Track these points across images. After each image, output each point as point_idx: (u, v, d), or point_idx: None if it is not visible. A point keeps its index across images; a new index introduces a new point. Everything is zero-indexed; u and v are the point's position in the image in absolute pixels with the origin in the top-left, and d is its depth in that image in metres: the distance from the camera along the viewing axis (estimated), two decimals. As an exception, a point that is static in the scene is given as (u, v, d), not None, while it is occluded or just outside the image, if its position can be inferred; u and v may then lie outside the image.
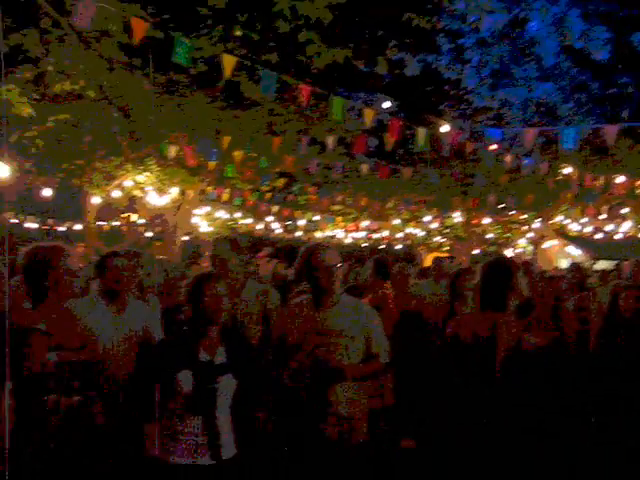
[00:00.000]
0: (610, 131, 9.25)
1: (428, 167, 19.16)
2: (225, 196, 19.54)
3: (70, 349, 3.89)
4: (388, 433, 5.23)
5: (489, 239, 29.52)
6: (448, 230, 28.30)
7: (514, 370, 4.18)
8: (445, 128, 10.59)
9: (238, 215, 25.32)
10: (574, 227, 24.23)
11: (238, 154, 13.53)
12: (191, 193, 18.68)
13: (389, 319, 5.44)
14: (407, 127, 10.83)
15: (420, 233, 28.30)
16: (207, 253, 13.91)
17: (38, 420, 3.71)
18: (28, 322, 3.84)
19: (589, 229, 23.54)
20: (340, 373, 4.07)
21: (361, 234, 29.61)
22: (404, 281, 6.93)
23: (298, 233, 27.90)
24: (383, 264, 6.56)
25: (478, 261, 26.47)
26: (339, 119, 9.80)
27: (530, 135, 10.36)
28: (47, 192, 14.41)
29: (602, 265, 19.80)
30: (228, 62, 8.24)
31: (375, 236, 29.53)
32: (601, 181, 15.99)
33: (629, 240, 23.22)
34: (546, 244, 27.89)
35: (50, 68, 10.18)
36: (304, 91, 9.00)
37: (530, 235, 27.33)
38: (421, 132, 10.42)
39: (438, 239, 30.43)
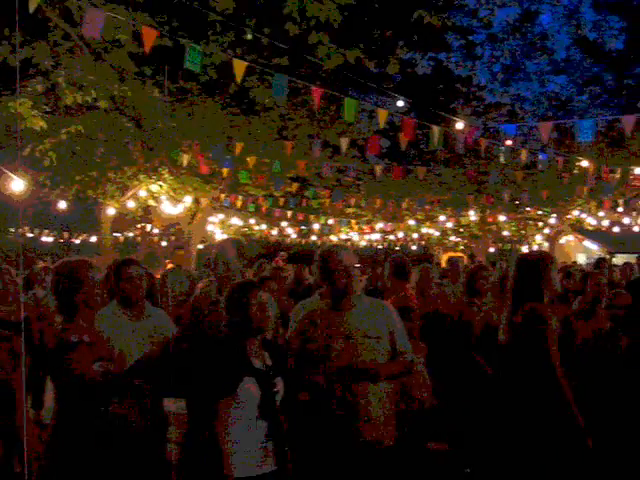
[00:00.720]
0: (628, 121, 9.12)
1: (441, 166, 19.09)
2: (239, 203, 19.52)
3: (106, 360, 3.89)
4: (416, 435, 5.12)
5: (505, 237, 29.35)
6: (463, 229, 28.17)
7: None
8: (460, 125, 10.49)
9: (252, 222, 25.31)
10: (590, 221, 24.00)
11: (251, 160, 13.50)
12: (205, 201, 18.68)
13: (414, 321, 5.34)
14: (420, 126, 10.76)
15: (435, 233, 28.18)
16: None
17: (86, 429, 3.71)
18: (65, 336, 3.86)
19: (606, 223, 23.29)
20: (372, 373, 4.00)
21: (376, 236, 29.53)
22: (428, 282, 6.83)
23: (313, 237, 27.87)
24: (401, 265, 6.46)
25: (494, 260, 26.38)
26: (351, 120, 9.75)
27: (546, 129, 10.25)
28: (62, 205, 14.41)
29: (620, 259, 19.61)
30: (239, 67, 8.20)
31: (390, 237, 29.44)
32: (617, 174, 15.83)
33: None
34: (562, 239, 27.69)
35: (61, 80, 10.16)
36: (316, 93, 8.95)
37: (546, 231, 27.12)
38: (435, 131, 10.34)
39: (453, 238, 30.31)
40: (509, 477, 4.27)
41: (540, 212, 24.81)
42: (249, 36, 10.33)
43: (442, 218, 25.03)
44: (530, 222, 27.14)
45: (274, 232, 26.85)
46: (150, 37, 7.43)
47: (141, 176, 14.37)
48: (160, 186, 14.89)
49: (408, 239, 29.78)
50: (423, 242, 30.20)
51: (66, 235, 24.95)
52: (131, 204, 15.31)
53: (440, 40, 20.12)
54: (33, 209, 18.28)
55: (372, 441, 4.02)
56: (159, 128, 12.80)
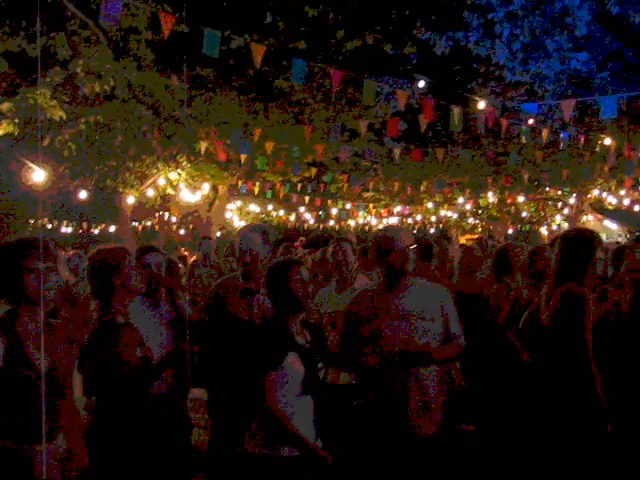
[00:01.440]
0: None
1: (460, 148, 18.93)
2: (256, 189, 19.50)
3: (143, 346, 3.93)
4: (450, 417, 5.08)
5: (524, 218, 29.13)
6: (481, 211, 27.98)
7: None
8: (482, 105, 10.37)
9: (270, 208, 25.29)
10: (611, 200, 23.72)
11: (269, 145, 13.44)
12: (223, 188, 18.67)
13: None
14: (439, 107, 10.66)
15: (453, 215, 28.02)
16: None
17: (126, 418, 3.72)
18: (113, 317, 3.91)
19: (627, 202, 23.01)
20: (427, 356, 3.97)
21: (394, 220, 29.42)
22: (476, 260, 6.78)
23: (330, 222, 27.80)
24: (426, 247, 6.42)
25: (512, 240, 26.17)
26: (370, 103, 9.70)
27: (568, 107, 10.11)
28: (82, 195, 14.43)
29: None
30: (257, 51, 8.15)
31: (408, 221, 29.29)
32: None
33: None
34: (582, 220, 27.43)
35: (79, 70, 10.14)
36: (335, 76, 8.88)
37: (565, 211, 26.87)
38: (456, 111, 10.23)
39: (471, 220, 30.13)
40: (532, 459, 4.22)
41: (560, 192, 24.57)
42: (268, 19, 10.25)
43: (460, 200, 24.88)
44: (549, 202, 26.91)
45: (292, 218, 26.80)
46: (168, 23, 7.40)
47: (159, 164, 14.36)
48: (178, 174, 14.89)
49: (426, 222, 29.62)
50: (441, 225, 30.01)
51: (85, 225, 25.04)
52: (150, 193, 15.32)
53: (458, 19, 19.82)
54: (52, 200, 18.35)
55: (423, 426, 3.99)
56: (177, 116, 12.78)
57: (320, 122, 15.70)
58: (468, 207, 26.10)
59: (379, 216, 28.68)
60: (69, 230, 24.69)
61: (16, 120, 10.02)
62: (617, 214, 25.31)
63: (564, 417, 3.96)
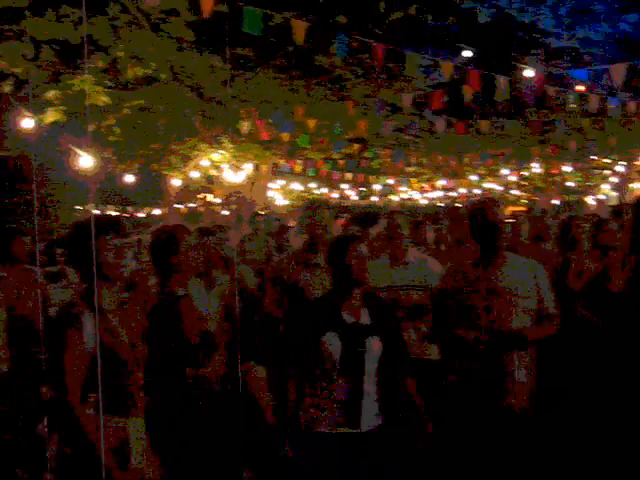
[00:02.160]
0: None
1: (504, 119, 18.61)
2: (298, 168, 19.47)
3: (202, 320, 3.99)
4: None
5: (569, 187, 28.62)
6: (526, 182, 27.56)
7: None
8: (529, 73, 10.14)
9: (312, 185, 25.27)
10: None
11: (311, 123, 13.37)
12: (265, 167, 18.68)
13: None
14: (483, 77, 10.45)
15: (497, 188, 27.66)
16: (292, 223, 13.88)
17: (178, 393, 3.79)
18: (171, 288, 4.05)
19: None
20: (522, 338, 3.86)
21: (437, 194, 29.16)
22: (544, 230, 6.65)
23: (373, 198, 27.70)
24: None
25: (559, 212, 25.75)
26: (413, 74, 9.55)
27: (618, 72, 9.82)
28: (128, 179, 14.58)
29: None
30: (299, 28, 8.07)
31: (451, 194, 29.03)
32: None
33: None
34: (631, 187, 26.81)
35: (121, 54, 10.15)
36: (377, 49, 8.76)
37: (613, 180, 26.29)
38: (501, 80, 10.03)
39: (516, 192, 29.71)
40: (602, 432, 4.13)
41: (608, 160, 24.02)
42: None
43: (504, 172, 24.51)
44: (596, 171, 26.36)
45: (335, 195, 26.75)
46: (208, 2, 7.36)
47: (202, 146, 14.41)
48: (221, 155, 14.94)
49: (469, 195, 29.31)
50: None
51: (130, 209, 25.33)
52: (194, 175, 15.41)
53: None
54: (98, 185, 18.57)
55: (516, 406, 3.89)
56: (218, 96, 12.77)
57: (361, 97, 15.55)
58: (513, 178, 25.71)
59: (422, 190, 28.47)
60: (115, 214, 25.00)
61: (62, 107, 10.09)
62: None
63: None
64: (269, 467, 4.61)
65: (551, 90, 11.29)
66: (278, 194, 23.90)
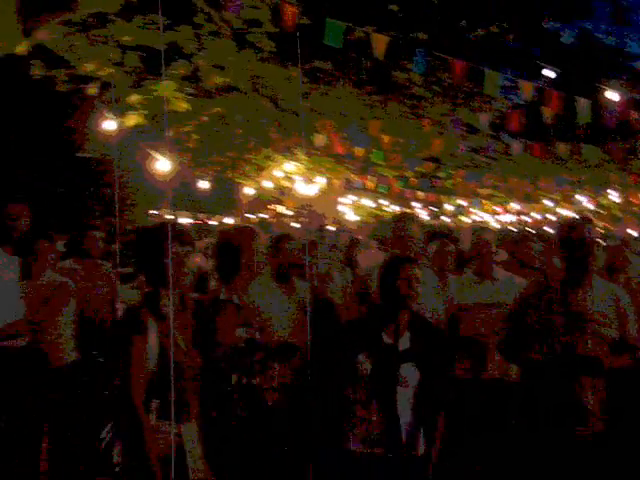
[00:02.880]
0: None
1: (583, 143, 18.15)
2: (370, 184, 19.44)
3: (254, 328, 3.90)
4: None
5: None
6: (603, 210, 26.82)
7: None
8: (614, 96, 9.87)
9: (384, 202, 25.18)
10: None
11: (385, 139, 13.35)
12: (337, 181, 18.74)
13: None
14: (564, 99, 10.24)
15: (573, 214, 27.02)
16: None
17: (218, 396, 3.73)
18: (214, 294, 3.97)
19: None
20: (598, 365, 3.72)
21: (509, 217, 28.68)
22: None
23: (444, 218, 27.43)
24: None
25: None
26: (493, 94, 9.42)
27: None
28: (202, 186, 14.84)
29: None
30: (379, 42, 8.06)
31: (524, 219, 28.52)
32: None
33: None
34: None
35: (203, 63, 10.37)
36: (456, 67, 8.68)
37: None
38: (583, 103, 9.80)
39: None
40: None
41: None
42: (394, 7, 10.07)
43: (580, 198, 23.92)
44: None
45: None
46: (290, 14, 7.44)
47: (276, 156, 14.57)
48: (295, 166, 15.06)
49: (542, 221, 28.72)
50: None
51: (202, 216, 25.71)
52: (267, 184, 15.58)
53: (587, 7, 18.92)
54: (172, 192, 18.92)
55: (586, 432, 3.74)
56: (294, 108, 12.89)
57: (437, 116, 15.46)
58: (590, 206, 25.07)
59: (494, 213, 28.05)
60: (188, 221, 25.43)
61: (144, 112, 10.37)
62: None
63: None
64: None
65: (635, 115, 10.96)
66: (349, 209, 23.89)
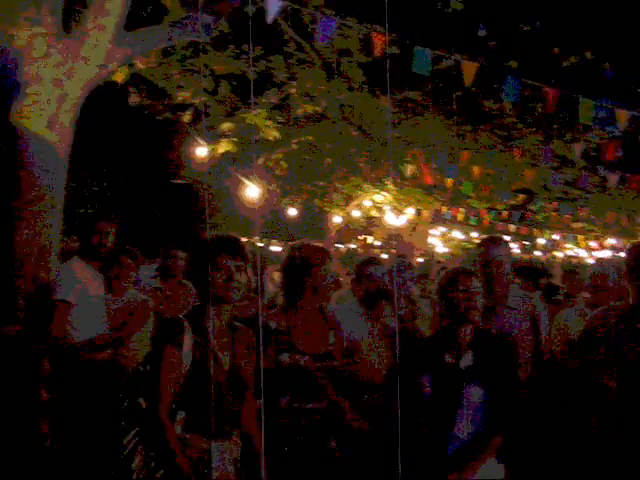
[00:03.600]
0: None
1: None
2: (460, 216, 19.18)
3: (312, 354, 3.74)
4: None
5: None
6: None
7: None
8: None
9: (474, 235, 24.78)
10: None
11: (476, 169, 13.18)
12: (426, 213, 18.58)
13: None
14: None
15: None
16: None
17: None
18: (281, 319, 3.83)
19: None
20: None
21: (605, 253, 27.70)
22: None
23: (536, 253, 26.74)
24: None
25: None
26: (588, 122, 9.16)
27: None
28: (291, 212, 15.01)
29: None
30: (468, 70, 8.00)
31: (621, 255, 27.47)
32: None
33: None
34: None
35: (294, 91, 10.58)
36: (549, 95, 8.51)
37: None
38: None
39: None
40: None
41: None
42: (483, 32, 10.02)
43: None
44: None
45: (496, 247, 26.05)
46: (380, 43, 7.49)
47: (365, 186, 14.60)
48: (384, 196, 15.05)
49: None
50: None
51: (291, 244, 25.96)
52: (355, 214, 15.62)
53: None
54: (263, 219, 19.23)
55: None
56: (384, 138, 12.92)
57: (530, 147, 15.17)
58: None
59: (589, 249, 27.15)
60: (278, 249, 25.74)
61: (235, 139, 10.63)
62: None
63: None
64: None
65: None
66: (438, 241, 23.64)
